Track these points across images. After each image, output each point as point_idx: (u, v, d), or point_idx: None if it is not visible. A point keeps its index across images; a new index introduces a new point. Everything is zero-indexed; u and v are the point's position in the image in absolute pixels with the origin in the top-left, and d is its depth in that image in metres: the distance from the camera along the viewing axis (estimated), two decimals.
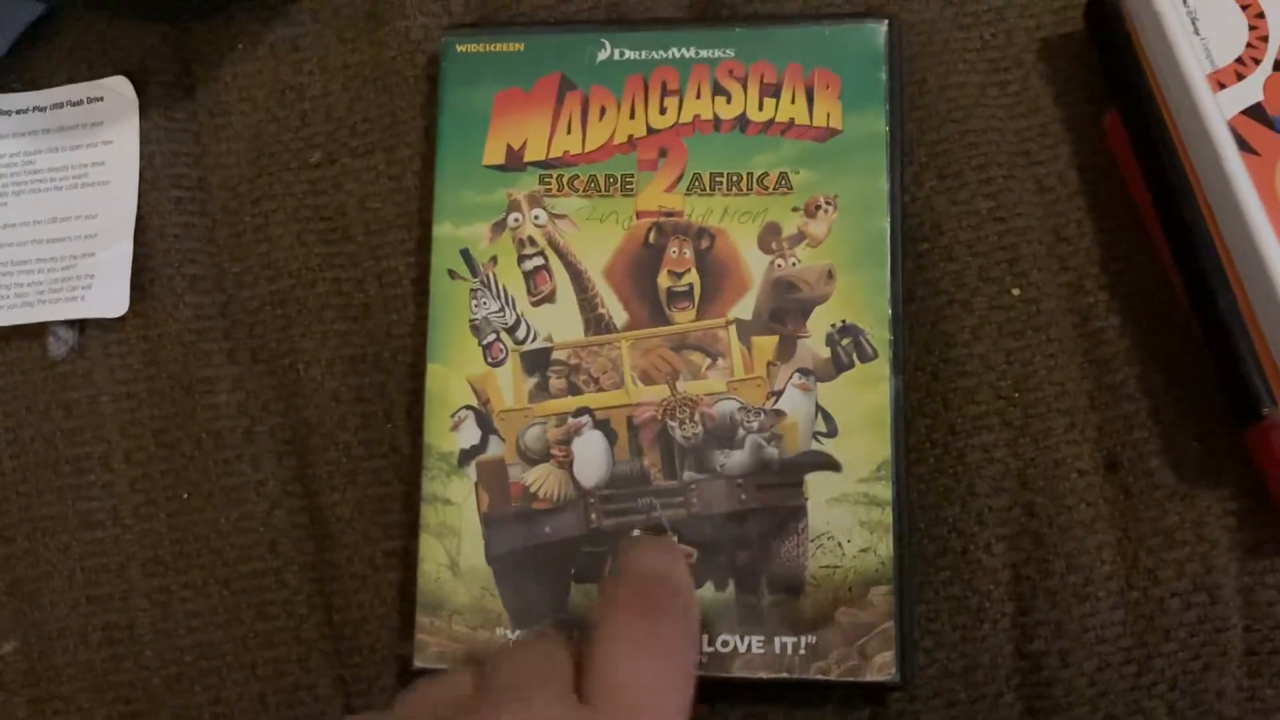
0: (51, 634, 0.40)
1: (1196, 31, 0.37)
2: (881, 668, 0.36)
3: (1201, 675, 0.37)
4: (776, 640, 0.36)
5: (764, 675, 0.36)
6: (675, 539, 0.37)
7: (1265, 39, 0.37)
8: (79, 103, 0.43)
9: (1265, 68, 0.37)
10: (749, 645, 0.36)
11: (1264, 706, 0.37)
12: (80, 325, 0.42)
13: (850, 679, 0.36)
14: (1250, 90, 0.37)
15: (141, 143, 0.43)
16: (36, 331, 0.42)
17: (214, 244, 0.43)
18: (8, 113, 0.43)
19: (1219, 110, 0.36)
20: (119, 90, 0.43)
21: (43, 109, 0.44)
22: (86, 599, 0.41)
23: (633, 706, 0.29)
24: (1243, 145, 0.36)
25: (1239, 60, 0.37)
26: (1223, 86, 0.37)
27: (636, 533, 0.37)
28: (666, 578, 0.33)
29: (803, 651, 0.36)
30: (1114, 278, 0.39)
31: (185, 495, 0.41)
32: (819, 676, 0.36)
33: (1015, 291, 0.39)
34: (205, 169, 0.43)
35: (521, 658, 0.31)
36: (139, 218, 0.42)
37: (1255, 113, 0.36)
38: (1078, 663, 0.37)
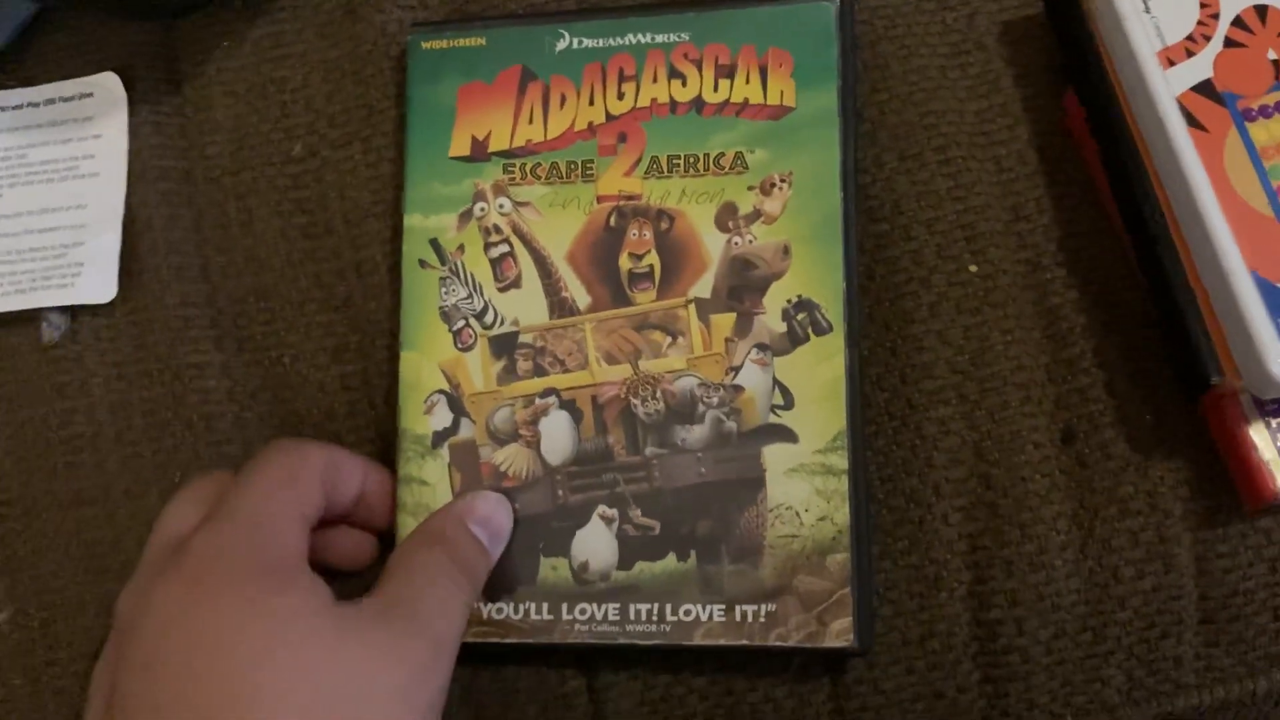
0: (52, 604, 0.42)
1: (1147, 9, 0.38)
2: (839, 634, 0.36)
3: (1158, 643, 0.37)
4: (737, 609, 0.37)
5: (724, 643, 0.37)
6: (639, 512, 0.38)
7: (1216, 16, 0.38)
8: (70, 98, 0.45)
9: (1215, 45, 0.37)
10: (710, 614, 0.37)
11: (1221, 675, 0.37)
12: (72, 311, 0.43)
13: (809, 645, 0.36)
14: (1200, 67, 0.37)
15: (129, 136, 0.44)
16: (30, 318, 0.44)
17: (199, 234, 0.44)
18: (3, 108, 0.45)
19: (1168, 87, 0.37)
20: (108, 86, 0.45)
21: (36, 104, 0.45)
22: (84, 570, 0.42)
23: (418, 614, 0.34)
24: (1191, 121, 0.36)
25: (1189, 38, 0.38)
26: (1173, 64, 0.37)
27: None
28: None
29: (763, 619, 0.37)
30: (1071, 255, 0.40)
31: (176, 477, 0.42)
32: (778, 643, 0.37)
33: (973, 268, 0.40)
34: (191, 161, 0.45)
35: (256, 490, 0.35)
36: (127, 209, 0.44)
37: (1204, 89, 0.37)
38: (1034, 631, 0.37)
